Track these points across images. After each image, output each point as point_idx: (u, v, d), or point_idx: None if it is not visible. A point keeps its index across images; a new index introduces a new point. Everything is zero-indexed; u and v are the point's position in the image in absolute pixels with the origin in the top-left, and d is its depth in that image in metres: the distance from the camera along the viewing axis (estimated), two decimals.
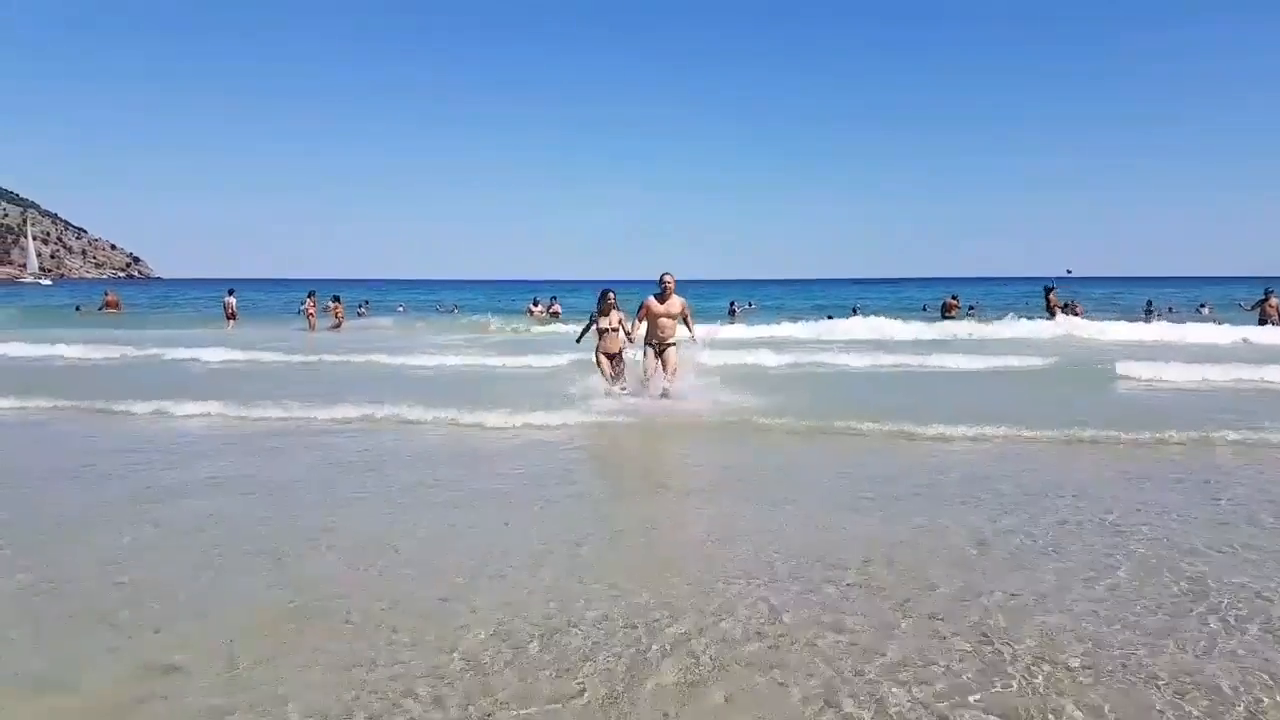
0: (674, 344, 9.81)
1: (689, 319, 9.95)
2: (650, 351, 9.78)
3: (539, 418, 8.37)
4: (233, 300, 28.07)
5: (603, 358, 10.19)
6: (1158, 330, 20.80)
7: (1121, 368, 12.02)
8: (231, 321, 27.18)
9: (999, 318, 23.90)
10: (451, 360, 14.58)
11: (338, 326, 25.57)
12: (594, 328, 10.34)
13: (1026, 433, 7.44)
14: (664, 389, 9.48)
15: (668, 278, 9.72)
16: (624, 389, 9.95)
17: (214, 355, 15.11)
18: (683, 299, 9.84)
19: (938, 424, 7.59)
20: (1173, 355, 13.54)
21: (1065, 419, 7.90)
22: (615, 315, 10.21)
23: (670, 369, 9.69)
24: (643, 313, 9.82)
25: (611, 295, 10.28)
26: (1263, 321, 21.94)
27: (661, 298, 9.73)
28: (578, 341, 10.92)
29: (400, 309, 43.66)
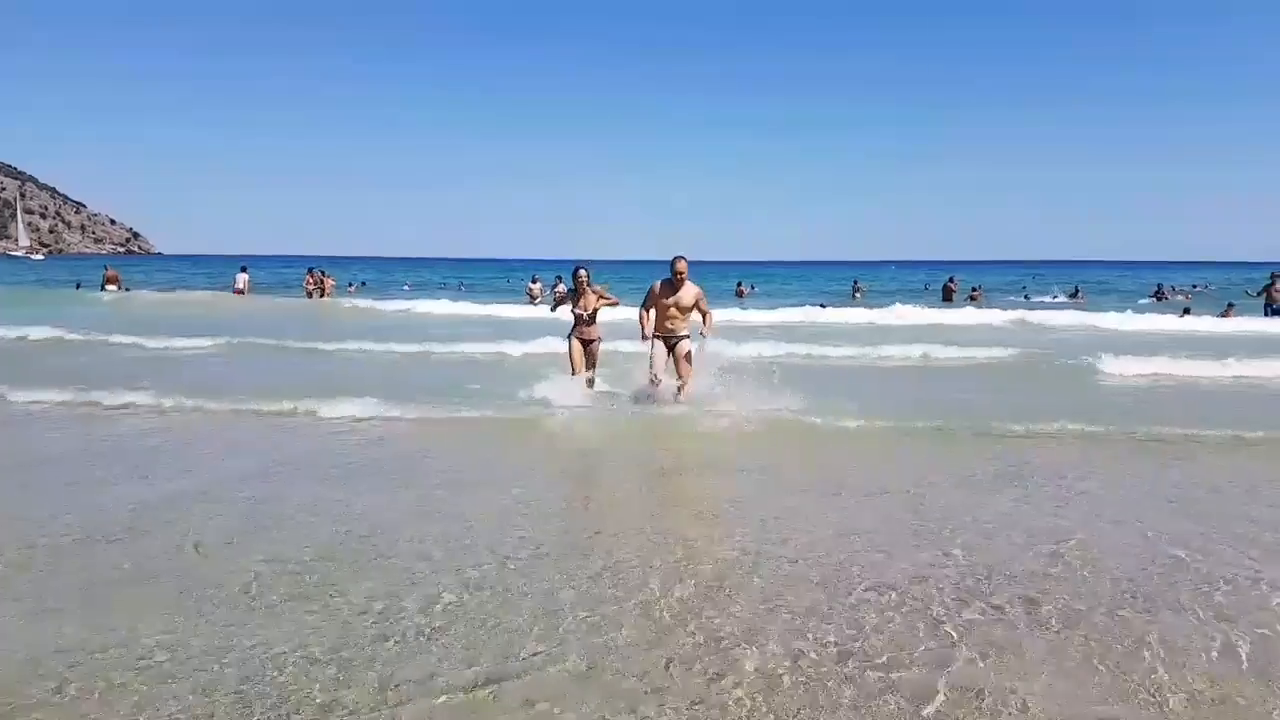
0: (686, 337, 8.43)
1: (705, 310, 8.46)
2: (659, 346, 8.42)
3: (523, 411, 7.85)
4: (245, 276, 29.22)
5: (575, 343, 8.90)
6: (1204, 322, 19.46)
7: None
8: (239, 295, 28.00)
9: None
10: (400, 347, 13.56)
11: (323, 294, 27.78)
12: (569, 309, 9.08)
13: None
14: (676, 390, 8.29)
15: (680, 265, 8.21)
16: (590, 384, 8.81)
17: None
18: (699, 288, 8.39)
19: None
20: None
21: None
22: (591, 296, 8.91)
23: (683, 367, 8.36)
24: (649, 301, 8.40)
25: (584, 273, 8.94)
26: (1269, 304, 21.84)
27: (672, 286, 8.31)
28: (553, 310, 9.49)
29: (406, 287, 43.79)
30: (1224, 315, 21.24)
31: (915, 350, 13.20)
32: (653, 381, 8.32)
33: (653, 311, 8.38)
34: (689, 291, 8.32)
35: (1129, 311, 21.15)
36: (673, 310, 8.32)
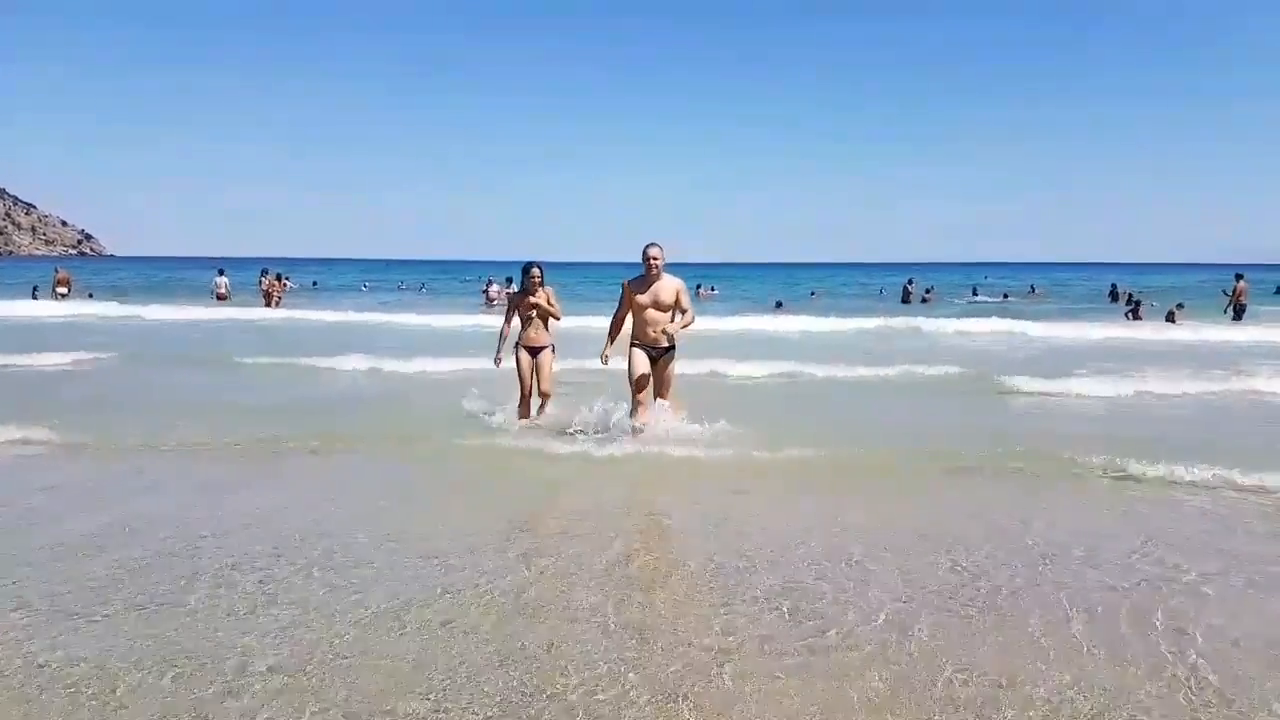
0: (673, 348, 7.06)
1: (686, 308, 6.99)
2: (639, 356, 7.00)
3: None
4: (224, 280, 28.74)
5: (522, 353, 7.81)
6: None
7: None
8: (221, 303, 27.43)
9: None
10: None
11: (277, 300, 26.93)
12: (514, 316, 7.94)
13: None
14: (660, 418, 6.97)
15: (653, 251, 6.88)
16: (540, 409, 7.83)
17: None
18: (679, 281, 7.02)
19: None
20: None
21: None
22: (541, 295, 7.77)
23: (666, 388, 7.06)
24: (623, 306, 7.13)
25: (536, 271, 7.74)
26: (1237, 304, 22.52)
27: (644, 282, 6.95)
28: (497, 363, 8.05)
29: (365, 288, 43.44)
30: (1169, 320, 20.90)
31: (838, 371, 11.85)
32: (634, 415, 6.99)
33: (627, 320, 7.12)
34: (668, 285, 6.94)
35: (1086, 317, 21.42)
36: (652, 312, 6.92)
